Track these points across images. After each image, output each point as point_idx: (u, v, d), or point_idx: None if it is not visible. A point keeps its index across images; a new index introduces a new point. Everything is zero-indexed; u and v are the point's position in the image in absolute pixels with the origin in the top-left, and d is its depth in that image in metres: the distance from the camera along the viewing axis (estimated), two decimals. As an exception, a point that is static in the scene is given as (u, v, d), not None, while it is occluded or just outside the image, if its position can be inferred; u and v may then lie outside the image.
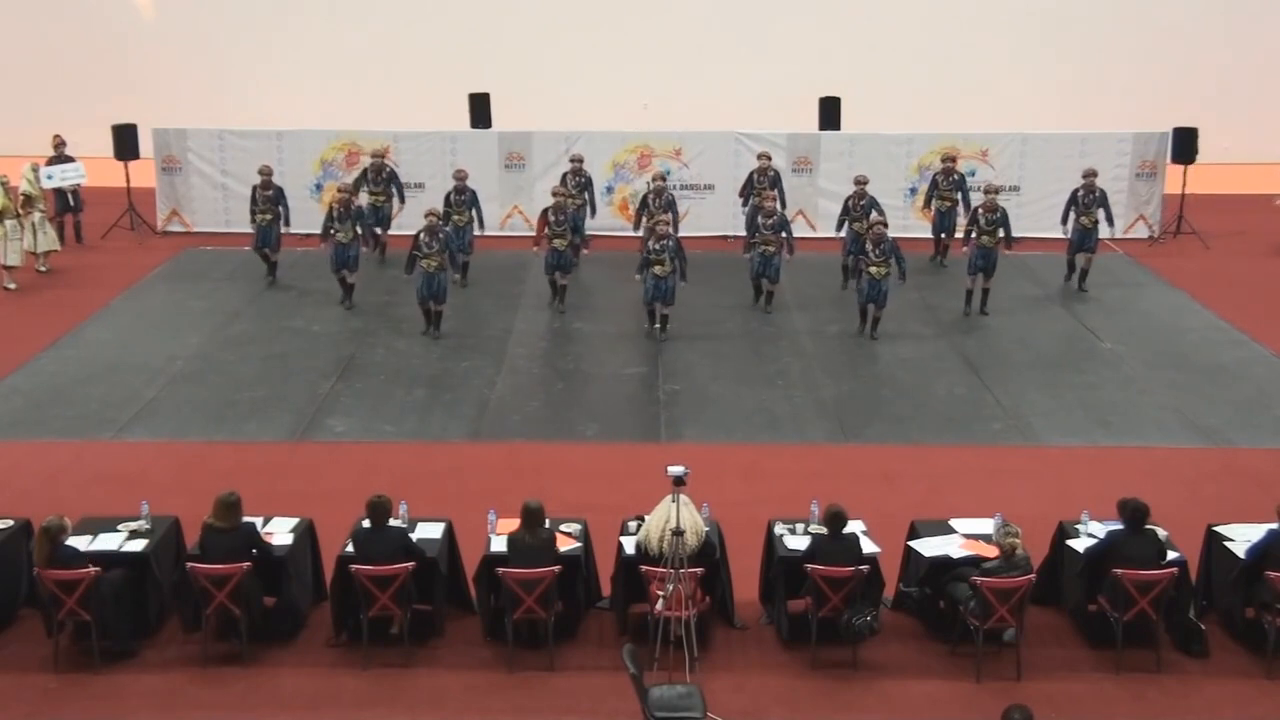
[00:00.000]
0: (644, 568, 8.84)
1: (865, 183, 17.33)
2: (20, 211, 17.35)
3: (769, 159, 18.55)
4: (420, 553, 9.02)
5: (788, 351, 15.39)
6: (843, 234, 17.59)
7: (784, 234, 16.46)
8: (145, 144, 20.33)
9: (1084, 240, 17.41)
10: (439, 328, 15.61)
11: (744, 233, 18.06)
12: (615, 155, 20.25)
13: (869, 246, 15.48)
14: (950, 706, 8.55)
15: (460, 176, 17.79)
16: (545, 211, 16.69)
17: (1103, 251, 18.91)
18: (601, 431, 13.13)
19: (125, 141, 20.04)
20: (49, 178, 18.78)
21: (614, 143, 20.28)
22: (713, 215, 20.10)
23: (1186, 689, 8.75)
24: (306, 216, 18.85)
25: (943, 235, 18.62)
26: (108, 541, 9.25)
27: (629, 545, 9.21)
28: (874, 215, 16.38)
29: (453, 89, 21.45)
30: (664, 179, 18.22)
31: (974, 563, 9.06)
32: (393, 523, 9.10)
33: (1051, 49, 24.89)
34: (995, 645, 8.98)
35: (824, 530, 9.05)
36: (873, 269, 15.38)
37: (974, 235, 16.39)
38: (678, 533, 8.41)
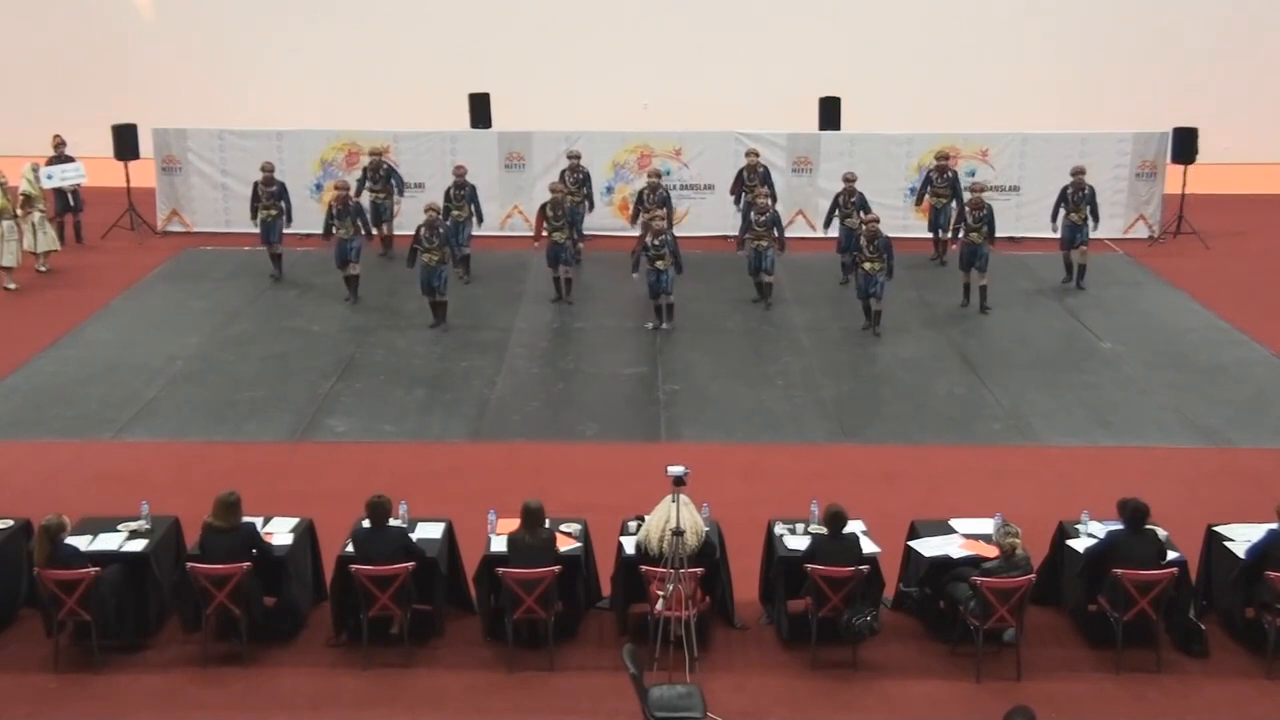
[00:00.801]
0: (644, 568, 8.84)
1: (854, 180, 17.49)
2: (19, 212, 17.34)
3: (757, 155, 18.66)
4: (420, 553, 9.02)
5: (788, 351, 15.40)
6: (832, 232, 17.77)
7: (775, 231, 16.55)
8: (145, 144, 20.33)
9: (1074, 236, 17.50)
10: (444, 319, 15.74)
11: (737, 232, 18.14)
12: (615, 155, 20.24)
13: (863, 243, 15.66)
14: (950, 706, 8.55)
15: (459, 172, 17.87)
16: (543, 207, 16.78)
17: (1103, 251, 18.96)
18: (601, 431, 13.13)
19: (125, 141, 20.03)
20: (49, 178, 18.77)
21: (614, 143, 20.27)
22: (712, 215, 20.10)
23: (1186, 689, 8.75)
24: (307, 216, 18.86)
25: (939, 232, 18.66)
26: (108, 541, 9.25)
27: (629, 545, 9.21)
28: (865, 214, 16.55)
29: (453, 89, 21.45)
30: (659, 175, 18.25)
31: (974, 563, 9.06)
32: (393, 523, 9.10)
33: (1051, 49, 24.88)
34: (995, 645, 8.98)
35: (824, 530, 9.05)
36: (866, 264, 15.58)
37: (961, 234, 16.66)
38: (678, 533, 8.41)
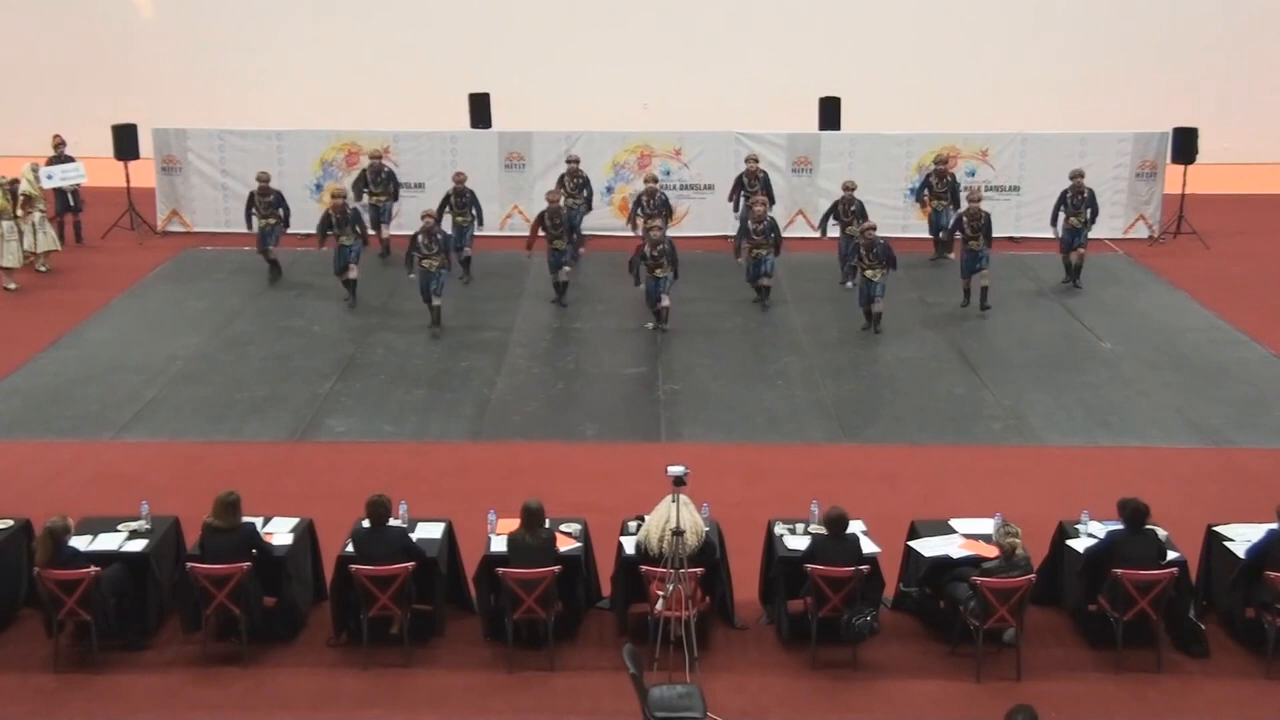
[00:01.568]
0: (644, 568, 8.84)
1: (853, 189, 17.43)
2: (19, 212, 17.33)
3: (757, 162, 18.55)
4: (420, 553, 9.02)
5: (788, 351, 15.40)
6: (826, 236, 17.68)
7: (772, 236, 16.52)
8: (145, 144, 20.33)
9: (1074, 239, 17.49)
10: (439, 322, 15.67)
11: (734, 235, 18.06)
12: (615, 155, 20.24)
13: (862, 251, 15.75)
14: (950, 706, 8.55)
15: (459, 179, 17.77)
16: (541, 215, 16.64)
17: (1103, 251, 18.97)
18: (601, 431, 13.13)
19: (125, 141, 20.03)
20: (49, 178, 18.78)
21: (614, 143, 20.27)
22: (712, 215, 20.10)
23: (1186, 689, 8.75)
24: (307, 216, 18.81)
25: (940, 234, 18.67)
26: (108, 541, 9.25)
27: (629, 545, 9.21)
28: (866, 222, 16.49)
29: (453, 89, 21.45)
30: (656, 180, 18.16)
31: (974, 563, 9.06)
32: (393, 523, 9.10)
33: (1051, 49, 24.90)
34: (995, 645, 8.98)
35: (824, 530, 9.05)
36: (868, 272, 15.69)
37: (961, 240, 16.73)
38: (678, 533, 8.41)
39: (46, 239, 17.99)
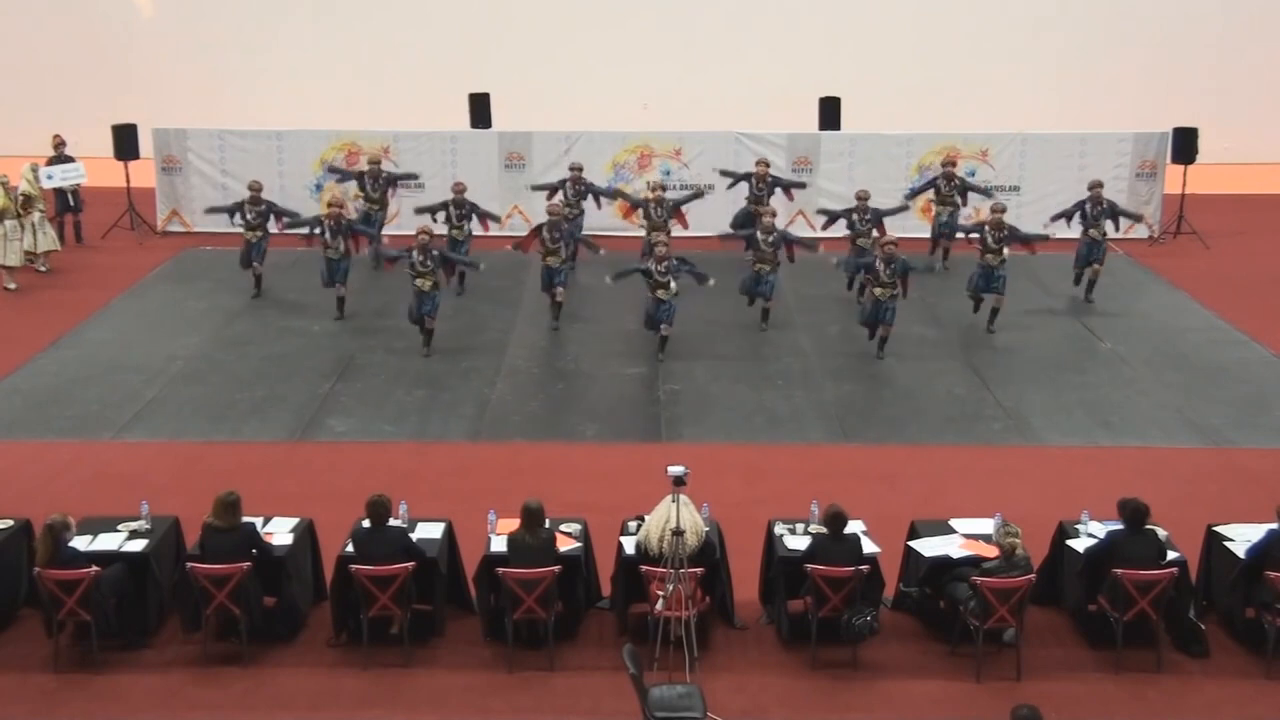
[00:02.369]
0: (644, 568, 8.84)
1: (867, 198, 16.99)
2: (20, 212, 17.34)
3: (768, 166, 18.30)
4: (420, 553, 9.02)
5: (788, 351, 15.39)
6: (830, 233, 17.39)
7: (778, 252, 15.84)
8: (145, 144, 20.33)
9: (1091, 252, 16.98)
10: (430, 344, 15.04)
11: (729, 231, 17.90)
12: (615, 155, 20.24)
13: (879, 265, 14.77)
14: (950, 706, 8.56)
15: (458, 190, 17.35)
16: (540, 227, 16.04)
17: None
18: (601, 431, 13.13)
19: (125, 141, 20.03)
20: (49, 178, 18.78)
21: (614, 143, 20.27)
22: (713, 215, 20.05)
23: (1186, 689, 8.76)
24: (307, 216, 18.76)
25: (941, 239, 18.54)
26: (108, 541, 9.25)
27: (629, 545, 9.21)
28: (885, 235, 16.03)
29: (453, 89, 21.44)
30: (663, 189, 17.97)
31: (974, 563, 9.06)
32: (393, 523, 9.10)
33: (1051, 49, 24.90)
34: (995, 645, 8.99)
35: (824, 530, 9.05)
36: (879, 289, 14.75)
37: (979, 251, 15.86)
38: (678, 533, 8.41)
39: (46, 239, 17.99)
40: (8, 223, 17.14)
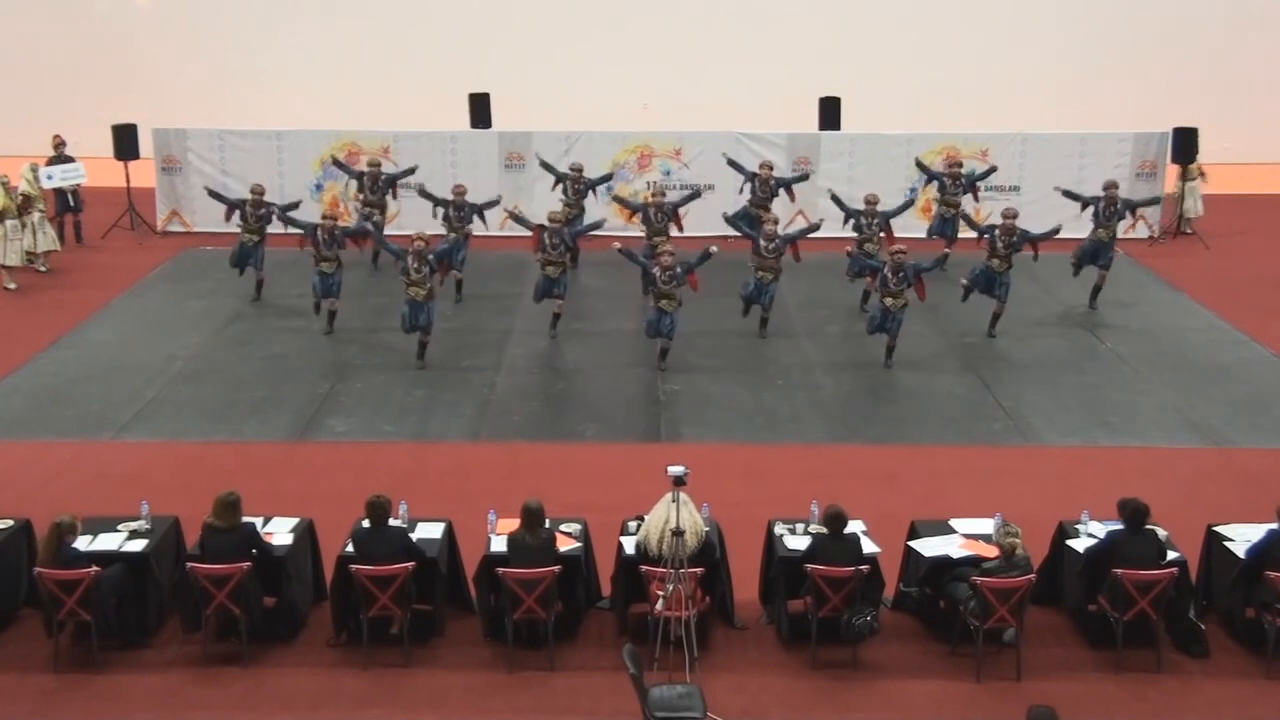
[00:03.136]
0: (644, 568, 8.84)
1: (876, 202, 16.85)
2: (20, 211, 17.34)
3: (771, 169, 18.15)
4: (420, 553, 9.02)
5: (788, 352, 15.39)
6: (832, 232, 17.27)
7: (789, 244, 15.66)
8: (145, 144, 20.33)
9: (1097, 253, 16.79)
10: (423, 357, 14.74)
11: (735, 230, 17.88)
12: (615, 155, 20.23)
13: (888, 273, 14.48)
14: (950, 706, 8.56)
15: (459, 192, 17.26)
16: (541, 229, 15.76)
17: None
18: (601, 431, 13.13)
19: (125, 141, 20.04)
20: (49, 178, 18.79)
21: (614, 143, 20.26)
22: (713, 215, 20.00)
23: (1186, 689, 8.76)
24: (307, 217, 18.69)
25: (941, 238, 18.50)
26: (108, 541, 9.25)
27: (629, 545, 9.21)
28: (893, 243, 15.82)
29: (453, 89, 21.45)
30: (663, 193, 17.82)
31: (974, 563, 9.06)
32: (393, 523, 9.11)
33: (1052, 49, 24.90)
34: (995, 645, 8.99)
35: (824, 530, 9.05)
36: (888, 299, 14.49)
37: (987, 254, 15.67)
38: (678, 533, 8.41)
39: (46, 239, 17.99)
40: (8, 223, 17.14)
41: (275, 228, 17.00)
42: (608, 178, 18.60)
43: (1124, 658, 8.89)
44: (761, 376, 14.58)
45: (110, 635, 8.94)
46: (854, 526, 9.18)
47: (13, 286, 17.32)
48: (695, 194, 18.31)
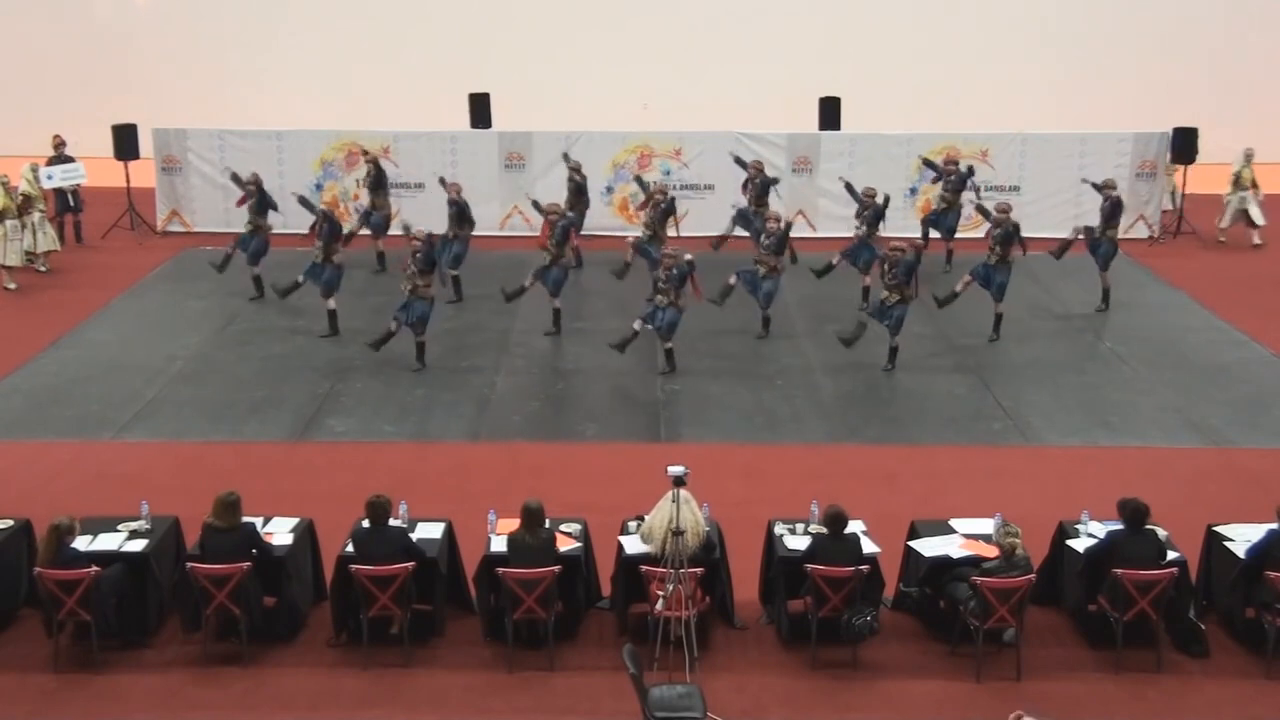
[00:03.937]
0: (644, 568, 8.84)
1: (874, 194, 16.88)
2: (20, 211, 17.34)
3: (759, 169, 18.16)
4: (420, 553, 9.02)
5: (788, 352, 15.39)
6: (829, 231, 17.35)
7: (774, 252, 15.64)
8: (145, 144, 20.33)
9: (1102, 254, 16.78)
10: (420, 360, 14.59)
11: (728, 231, 17.91)
12: (615, 155, 20.24)
13: (885, 268, 14.55)
14: (950, 706, 8.56)
15: (453, 190, 17.20)
16: (546, 218, 15.95)
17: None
18: (601, 431, 13.13)
19: (125, 141, 20.03)
20: (49, 178, 18.79)
21: (614, 143, 20.26)
22: (712, 215, 20.06)
23: (1186, 689, 8.76)
24: (306, 217, 18.69)
25: (941, 235, 18.54)
26: (108, 541, 9.25)
27: (629, 545, 9.21)
28: (876, 230, 16.21)
29: (453, 89, 21.44)
30: (663, 191, 17.62)
31: (974, 563, 9.06)
32: (393, 523, 9.11)
33: (1051, 49, 24.90)
34: (995, 645, 8.99)
35: (824, 530, 9.05)
36: (884, 293, 14.53)
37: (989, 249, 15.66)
38: (678, 533, 8.41)
39: (46, 239, 17.99)
40: (8, 223, 17.15)
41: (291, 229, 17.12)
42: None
43: (1124, 658, 8.89)
44: (761, 376, 14.57)
45: (110, 635, 8.94)
46: (854, 526, 9.18)
47: (13, 286, 17.32)
48: (670, 210, 17.77)
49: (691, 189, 20.19)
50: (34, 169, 18.15)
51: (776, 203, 18.10)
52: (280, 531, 9.44)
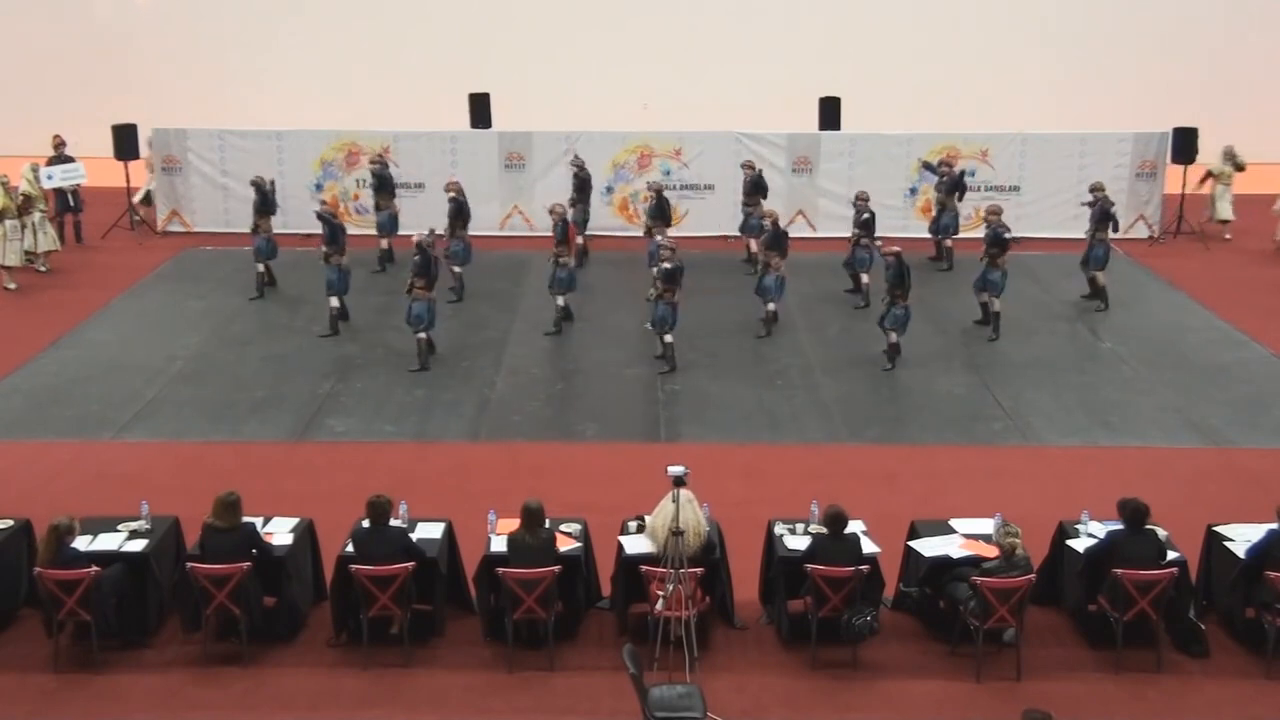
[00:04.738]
0: (644, 568, 8.84)
1: (866, 199, 17.06)
2: (20, 211, 17.34)
3: (751, 168, 18.35)
4: (420, 553, 9.02)
5: (788, 351, 15.39)
6: (829, 231, 17.44)
7: (772, 243, 15.75)
8: (145, 144, 20.32)
9: (1105, 255, 16.88)
10: (420, 359, 14.64)
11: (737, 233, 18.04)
12: (615, 155, 20.24)
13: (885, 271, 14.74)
14: (950, 706, 8.56)
15: (452, 187, 17.27)
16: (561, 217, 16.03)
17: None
18: (601, 431, 13.13)
19: (125, 141, 20.03)
20: (49, 178, 18.78)
21: (614, 143, 20.26)
22: (712, 215, 20.10)
23: (1186, 689, 8.76)
24: (306, 217, 18.72)
25: (939, 236, 18.56)
26: (108, 541, 9.25)
27: (629, 545, 9.21)
28: (871, 236, 16.40)
29: (453, 89, 21.44)
30: (659, 189, 17.85)
31: (974, 563, 9.07)
32: (393, 523, 9.11)
33: (1051, 49, 24.91)
34: (995, 645, 8.99)
35: (824, 530, 9.05)
36: (886, 296, 14.74)
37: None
38: (677, 532, 8.41)
39: (46, 239, 17.99)
40: (8, 223, 17.15)
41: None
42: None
43: (1124, 658, 8.89)
44: (761, 376, 14.58)
45: (110, 635, 8.94)
46: (854, 526, 9.18)
47: (13, 286, 17.32)
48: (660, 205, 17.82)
49: (691, 189, 20.19)
50: (34, 169, 18.15)
51: (776, 203, 18.13)
52: (280, 531, 9.44)
